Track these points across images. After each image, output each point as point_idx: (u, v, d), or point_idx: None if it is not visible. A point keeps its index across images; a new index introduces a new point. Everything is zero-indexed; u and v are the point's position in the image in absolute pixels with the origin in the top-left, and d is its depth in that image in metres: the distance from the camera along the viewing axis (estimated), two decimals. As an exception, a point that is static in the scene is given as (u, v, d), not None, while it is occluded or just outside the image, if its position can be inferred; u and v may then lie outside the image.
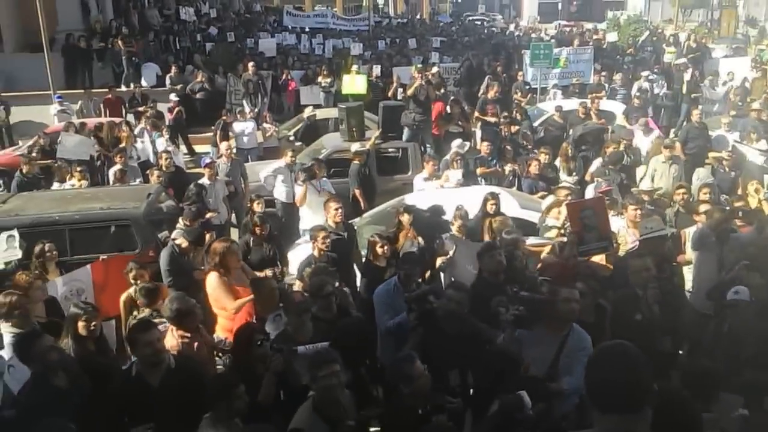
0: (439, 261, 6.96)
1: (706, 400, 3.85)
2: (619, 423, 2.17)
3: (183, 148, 15.44)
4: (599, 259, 6.75)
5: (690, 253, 7.12)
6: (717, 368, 4.25)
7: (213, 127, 14.63)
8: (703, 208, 7.46)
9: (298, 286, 6.56)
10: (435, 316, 5.24)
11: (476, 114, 13.98)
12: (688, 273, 7.07)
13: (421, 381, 4.20)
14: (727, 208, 7.89)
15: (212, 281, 6.38)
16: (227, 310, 6.17)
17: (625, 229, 7.48)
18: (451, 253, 6.98)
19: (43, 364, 4.57)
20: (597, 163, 10.66)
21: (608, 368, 2.27)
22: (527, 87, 17.78)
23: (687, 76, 18.61)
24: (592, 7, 54.47)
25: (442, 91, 14.73)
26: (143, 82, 18.94)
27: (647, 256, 5.84)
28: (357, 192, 10.49)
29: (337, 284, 5.94)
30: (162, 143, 12.60)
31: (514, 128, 12.78)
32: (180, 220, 8.10)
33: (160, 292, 6.11)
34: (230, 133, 13.88)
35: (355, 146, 10.97)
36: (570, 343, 4.66)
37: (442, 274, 6.93)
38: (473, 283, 6.15)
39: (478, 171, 10.70)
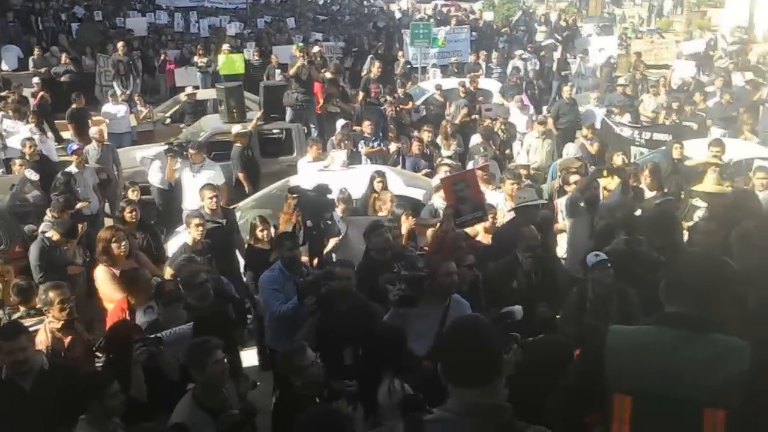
0: (331, 243, 6.94)
1: None
2: (472, 396, 2.20)
3: (51, 134, 14.45)
4: (481, 229, 6.96)
5: (563, 223, 7.50)
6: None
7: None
8: (573, 179, 7.85)
9: (168, 274, 6.36)
10: (330, 299, 5.23)
11: (360, 94, 14.01)
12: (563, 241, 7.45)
13: (313, 370, 4.16)
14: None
15: (99, 275, 6.20)
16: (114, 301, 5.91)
17: (503, 203, 7.75)
18: (342, 233, 6.97)
19: None
20: (474, 139, 10.98)
21: (459, 342, 2.27)
22: (408, 66, 17.98)
23: (557, 54, 19.48)
24: (469, -13, 55.72)
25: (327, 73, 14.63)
26: (3, 66, 17.56)
27: (533, 226, 6.07)
28: (241, 175, 10.26)
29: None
30: (26, 130, 11.73)
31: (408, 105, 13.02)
32: (47, 211, 7.60)
33: (35, 289, 5.73)
34: (89, 120, 13.05)
35: (237, 128, 10.69)
36: (452, 314, 4.79)
37: (334, 256, 6.91)
38: (361, 261, 6.19)
39: (363, 151, 10.73)
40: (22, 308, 5.65)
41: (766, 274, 3.89)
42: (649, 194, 7.70)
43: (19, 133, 11.56)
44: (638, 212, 7.24)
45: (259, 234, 6.87)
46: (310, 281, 5.39)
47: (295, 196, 6.81)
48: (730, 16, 24.34)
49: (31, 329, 4.90)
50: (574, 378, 2.70)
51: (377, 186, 7.92)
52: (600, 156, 10.47)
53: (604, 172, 7.81)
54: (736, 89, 14.42)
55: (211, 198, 7.47)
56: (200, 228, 6.79)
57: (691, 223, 6.91)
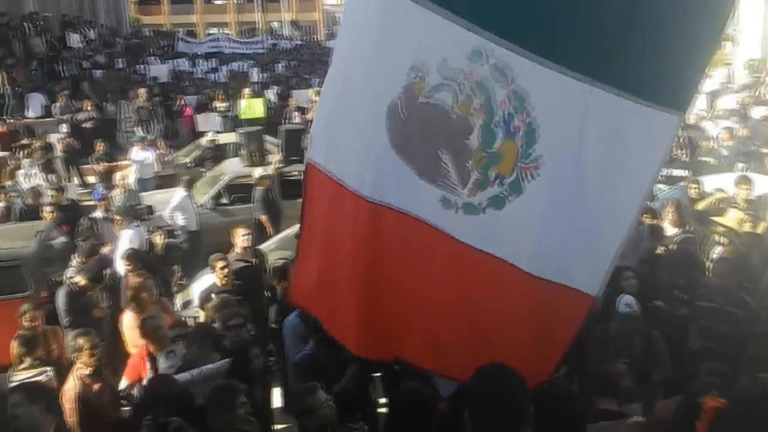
0: None
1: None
2: None
3: (76, 180, 14.77)
4: None
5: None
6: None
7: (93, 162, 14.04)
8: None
9: (202, 317, 6.38)
10: None
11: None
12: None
13: (325, 410, 4.10)
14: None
15: (126, 322, 6.25)
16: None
17: None
18: None
19: None
20: None
21: (487, 391, 2.29)
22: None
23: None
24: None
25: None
26: (29, 113, 17.95)
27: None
28: (263, 218, 10.39)
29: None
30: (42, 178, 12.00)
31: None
32: (73, 257, 7.72)
33: (41, 338, 5.82)
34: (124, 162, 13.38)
35: (258, 171, 10.86)
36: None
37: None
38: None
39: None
40: (26, 360, 5.56)
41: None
42: (671, 231, 7.62)
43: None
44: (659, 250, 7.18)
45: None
46: None
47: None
48: (743, 51, 24.30)
49: (33, 380, 5.03)
50: None
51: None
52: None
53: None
54: (752, 123, 14.31)
55: (244, 236, 7.52)
56: (224, 271, 6.81)
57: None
